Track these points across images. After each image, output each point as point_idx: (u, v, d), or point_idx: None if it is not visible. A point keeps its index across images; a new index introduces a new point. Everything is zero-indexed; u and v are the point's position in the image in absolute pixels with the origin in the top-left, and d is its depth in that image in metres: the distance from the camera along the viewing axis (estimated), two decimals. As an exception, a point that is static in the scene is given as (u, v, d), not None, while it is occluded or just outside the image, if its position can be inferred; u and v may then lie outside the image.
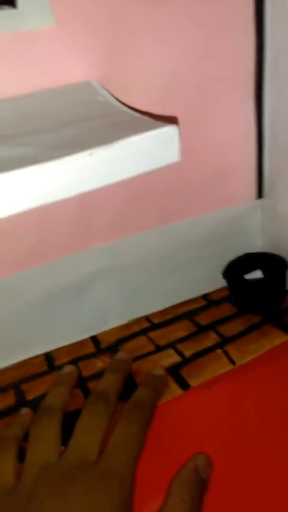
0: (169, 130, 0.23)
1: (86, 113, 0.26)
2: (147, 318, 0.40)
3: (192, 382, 0.32)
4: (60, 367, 0.36)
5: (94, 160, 0.21)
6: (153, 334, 0.38)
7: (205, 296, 0.41)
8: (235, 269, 0.39)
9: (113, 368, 0.33)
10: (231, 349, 0.35)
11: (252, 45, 0.33)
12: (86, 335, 0.39)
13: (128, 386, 0.32)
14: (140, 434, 0.27)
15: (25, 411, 0.31)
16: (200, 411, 0.31)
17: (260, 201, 0.39)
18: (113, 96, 0.29)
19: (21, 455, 0.28)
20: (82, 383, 0.34)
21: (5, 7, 0.26)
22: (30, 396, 0.34)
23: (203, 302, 0.40)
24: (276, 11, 0.31)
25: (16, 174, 0.20)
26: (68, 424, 0.29)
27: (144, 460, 0.27)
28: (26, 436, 0.29)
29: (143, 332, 0.38)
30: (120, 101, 0.28)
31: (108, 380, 0.32)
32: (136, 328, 0.39)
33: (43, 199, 0.21)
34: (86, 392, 0.33)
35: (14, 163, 0.21)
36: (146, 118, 0.25)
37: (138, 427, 0.28)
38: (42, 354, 0.37)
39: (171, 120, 0.24)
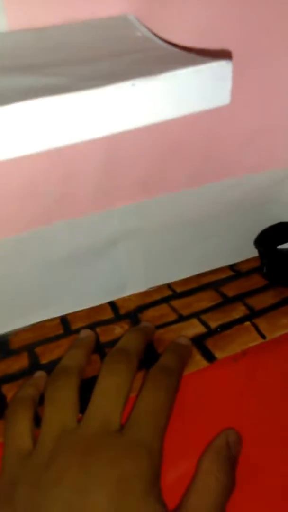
0: (222, 65, 0.20)
1: (123, 47, 0.23)
2: (169, 286, 0.37)
3: (219, 355, 0.30)
4: (76, 331, 0.34)
5: (137, 93, 0.19)
6: (175, 303, 0.36)
7: (232, 267, 0.38)
8: (268, 238, 0.36)
9: (134, 329, 0.31)
10: (260, 322, 0.32)
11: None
12: (104, 300, 0.37)
13: (150, 355, 0.30)
14: (168, 402, 0.25)
15: (39, 373, 0.29)
16: (226, 384, 0.29)
17: (300, 166, 0.36)
18: (152, 32, 0.26)
19: (37, 419, 0.26)
20: (99, 349, 0.32)
21: None
22: (44, 360, 0.32)
23: (230, 273, 0.38)
24: None
25: (47, 102, 0.18)
26: (85, 391, 0.28)
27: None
28: (41, 400, 0.28)
29: (165, 300, 0.36)
30: (160, 38, 0.25)
31: (129, 338, 0.30)
32: (157, 296, 0.37)
33: (75, 136, 0.19)
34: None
35: (42, 92, 0.18)
36: (192, 54, 0.22)
37: (165, 394, 0.25)
38: (57, 317, 0.35)
39: (223, 54, 0.21)
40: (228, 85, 0.20)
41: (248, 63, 0.30)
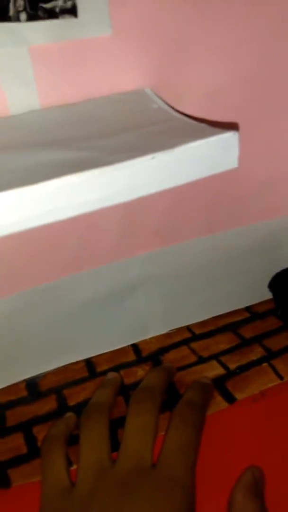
0: (230, 136, 0.22)
1: (142, 120, 0.27)
2: (188, 328, 0.39)
3: (239, 396, 0.32)
4: (101, 374, 0.35)
5: (156, 164, 0.21)
6: (195, 345, 0.37)
7: (248, 308, 0.40)
8: (281, 281, 0.38)
9: (157, 369, 0.33)
10: (278, 363, 0.34)
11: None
12: (126, 343, 0.38)
13: (172, 396, 0.32)
14: (196, 437, 0.27)
15: (69, 414, 0.31)
16: (247, 425, 0.30)
17: (308, 213, 0.38)
18: (167, 104, 0.29)
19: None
20: (124, 391, 0.34)
21: (67, 16, 0.27)
22: (71, 402, 0.33)
23: (246, 315, 0.39)
24: None
25: (78, 177, 0.20)
26: (112, 430, 0.29)
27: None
28: (71, 439, 0.29)
29: (185, 342, 0.38)
30: (174, 109, 0.28)
31: (152, 377, 0.32)
32: (177, 338, 0.38)
33: (103, 203, 0.22)
34: (128, 400, 0.33)
35: (76, 167, 0.21)
36: (203, 124, 0.25)
37: (193, 430, 0.27)
38: (82, 360, 0.37)
39: (231, 126, 0.24)
40: (235, 152, 0.23)
41: (256, 121, 0.33)
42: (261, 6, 0.29)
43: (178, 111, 0.28)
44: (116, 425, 0.30)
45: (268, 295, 0.39)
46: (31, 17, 0.26)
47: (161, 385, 0.31)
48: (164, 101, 0.29)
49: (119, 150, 0.22)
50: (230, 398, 0.32)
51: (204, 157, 0.22)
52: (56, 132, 0.26)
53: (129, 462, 0.26)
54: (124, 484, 0.24)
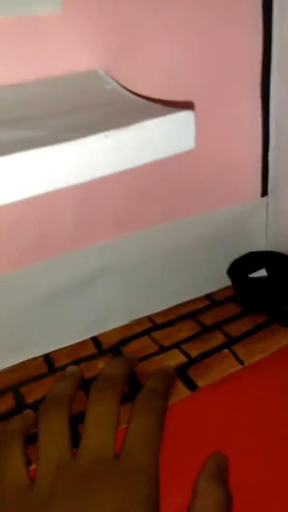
0: (186, 115, 0.22)
1: (95, 100, 0.26)
2: (149, 318, 0.39)
3: (200, 383, 0.31)
4: (60, 369, 0.34)
5: (109, 144, 0.20)
6: (156, 335, 0.37)
7: (208, 296, 0.40)
8: (240, 268, 0.38)
9: (118, 357, 0.33)
10: (238, 349, 0.34)
11: (260, 41, 0.33)
12: (86, 336, 0.37)
13: (134, 387, 0.31)
14: (159, 425, 0.26)
15: (27, 411, 0.30)
16: (209, 412, 0.30)
17: (265, 199, 0.38)
18: (121, 85, 0.28)
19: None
20: (84, 385, 0.32)
21: (13, -11, 0.25)
22: (29, 399, 0.32)
23: (206, 302, 0.39)
24: (285, 7, 0.31)
25: (26, 156, 0.19)
26: (72, 425, 0.28)
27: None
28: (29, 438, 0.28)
29: (146, 332, 0.37)
30: (129, 90, 0.27)
31: (113, 365, 0.31)
32: (138, 329, 0.38)
33: (54, 184, 0.20)
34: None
35: (23, 145, 0.19)
36: (158, 105, 0.24)
37: (157, 417, 0.26)
38: (41, 356, 0.36)
39: (186, 105, 0.23)
40: (192, 132, 0.22)
41: (211, 105, 0.33)
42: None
43: (132, 92, 0.27)
44: (77, 420, 0.29)
45: (227, 282, 0.39)
46: (-27, -11, 0.24)
47: (122, 374, 0.30)
48: (117, 82, 0.28)
49: (71, 129, 0.21)
50: (192, 386, 0.31)
51: (160, 137, 0.21)
52: (1, 111, 0.24)
53: (90, 454, 0.25)
54: (86, 477, 0.23)
